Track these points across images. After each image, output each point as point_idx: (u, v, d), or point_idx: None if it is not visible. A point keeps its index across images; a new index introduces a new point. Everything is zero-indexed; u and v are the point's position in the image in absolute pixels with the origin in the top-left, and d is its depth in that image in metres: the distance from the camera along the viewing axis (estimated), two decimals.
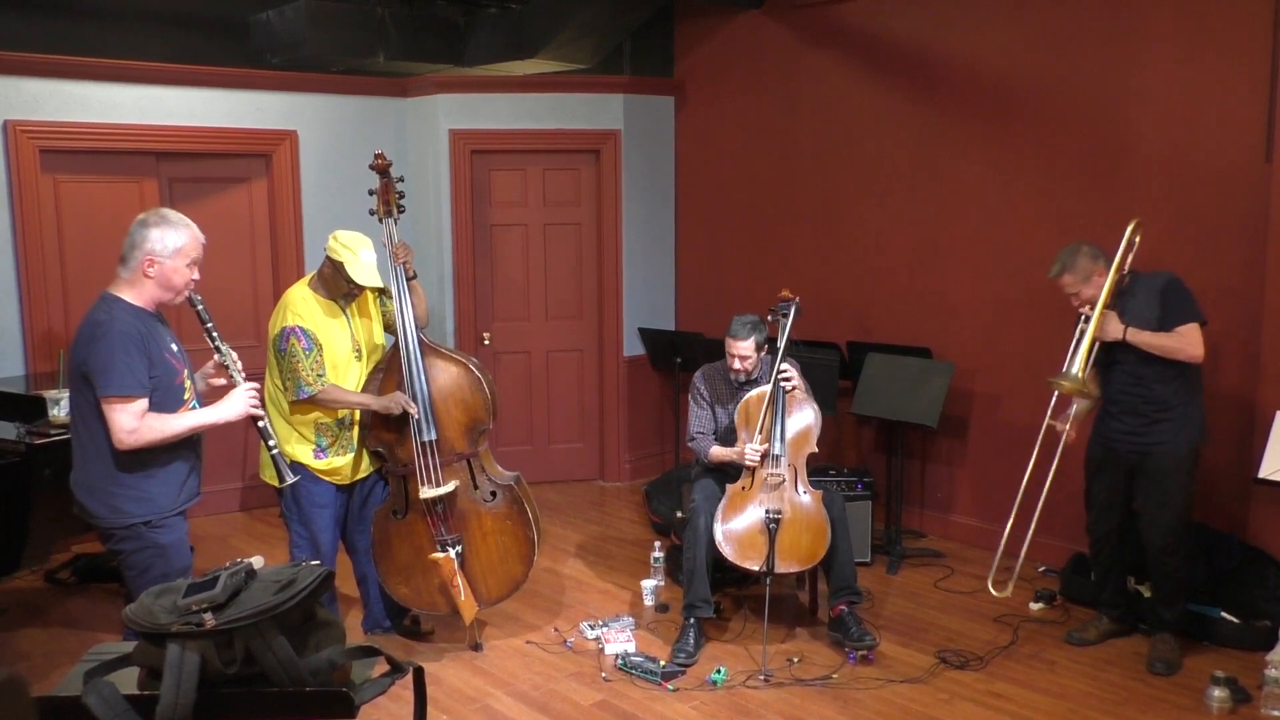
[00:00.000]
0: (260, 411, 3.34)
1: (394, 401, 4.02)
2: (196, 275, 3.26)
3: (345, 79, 6.14)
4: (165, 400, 3.16)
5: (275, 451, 3.39)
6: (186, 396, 3.27)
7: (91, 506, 3.19)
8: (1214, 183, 4.55)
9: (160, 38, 5.58)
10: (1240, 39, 4.42)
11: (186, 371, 3.29)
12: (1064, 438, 4.21)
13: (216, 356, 3.33)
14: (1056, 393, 4.21)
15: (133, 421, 3.06)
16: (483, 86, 6.29)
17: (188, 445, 3.28)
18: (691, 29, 6.63)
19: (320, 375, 3.91)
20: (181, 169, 5.86)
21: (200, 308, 3.26)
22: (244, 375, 3.35)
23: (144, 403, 3.09)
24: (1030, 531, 4.31)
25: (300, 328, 3.90)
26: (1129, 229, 4.02)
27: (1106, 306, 3.98)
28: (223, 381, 3.40)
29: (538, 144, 6.48)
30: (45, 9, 5.24)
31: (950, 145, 5.43)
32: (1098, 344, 4.01)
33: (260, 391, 3.39)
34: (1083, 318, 4.07)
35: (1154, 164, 4.72)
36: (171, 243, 3.16)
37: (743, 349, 4.41)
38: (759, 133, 6.32)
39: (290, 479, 3.47)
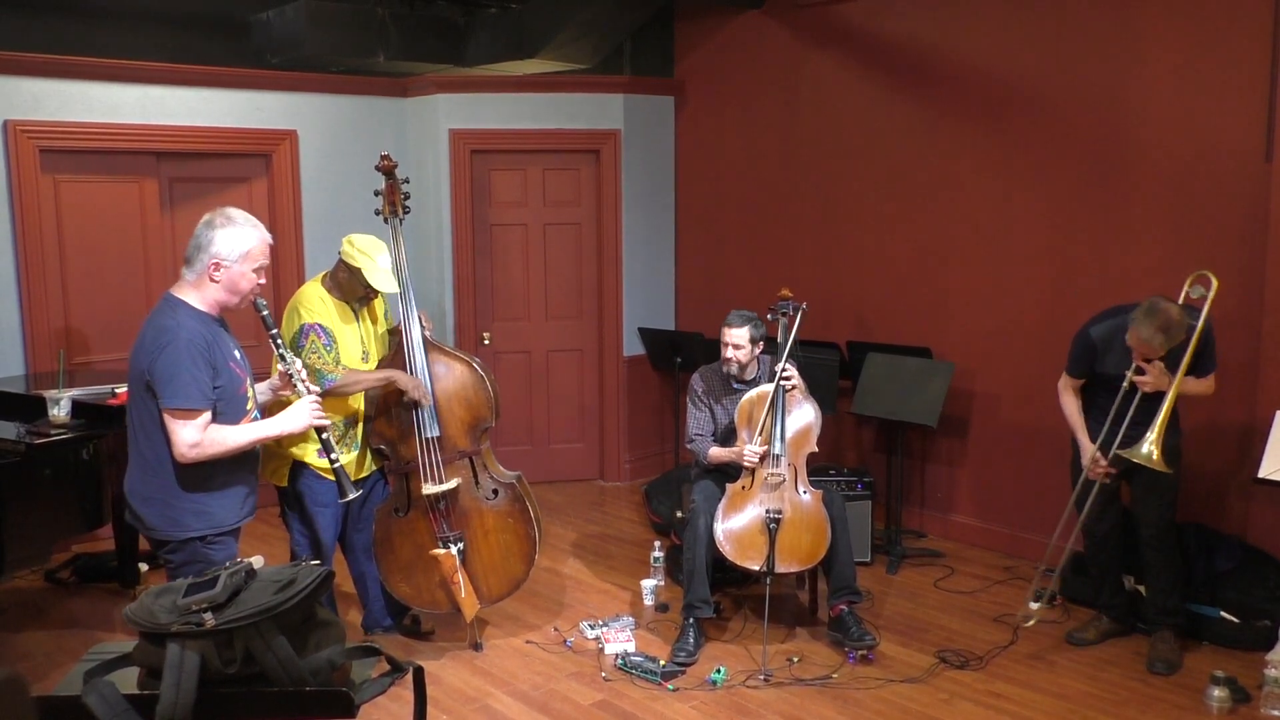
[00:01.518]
0: (325, 422, 3.24)
1: (414, 383, 4.03)
2: (263, 280, 3.14)
3: (345, 79, 6.14)
4: (229, 410, 3.06)
5: (338, 465, 3.30)
6: (249, 407, 3.16)
7: (148, 517, 3.07)
8: (1214, 183, 4.55)
9: (160, 38, 5.58)
10: (1240, 39, 4.42)
11: (249, 380, 3.18)
12: (1099, 478, 4.14)
13: (281, 366, 3.23)
14: (1084, 437, 4.18)
15: (196, 435, 2.95)
16: (483, 86, 6.29)
17: (249, 460, 3.19)
18: (691, 29, 6.63)
19: (339, 363, 3.92)
20: (182, 169, 5.86)
21: (265, 313, 3.14)
22: (309, 386, 3.24)
23: (208, 415, 2.98)
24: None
25: (319, 325, 3.91)
26: (1213, 288, 3.92)
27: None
28: (288, 393, 3.31)
29: (538, 144, 6.48)
30: (45, 9, 5.24)
31: (950, 145, 5.43)
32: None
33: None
34: (1132, 372, 3.95)
35: (1154, 164, 4.72)
36: (240, 247, 3.03)
37: (736, 337, 4.41)
38: (759, 133, 6.32)
39: (353, 494, 3.37)
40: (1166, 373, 3.89)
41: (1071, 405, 4.27)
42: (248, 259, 3.06)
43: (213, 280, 3.04)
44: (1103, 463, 4.09)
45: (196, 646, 2.01)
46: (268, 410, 3.38)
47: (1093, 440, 4.15)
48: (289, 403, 3.33)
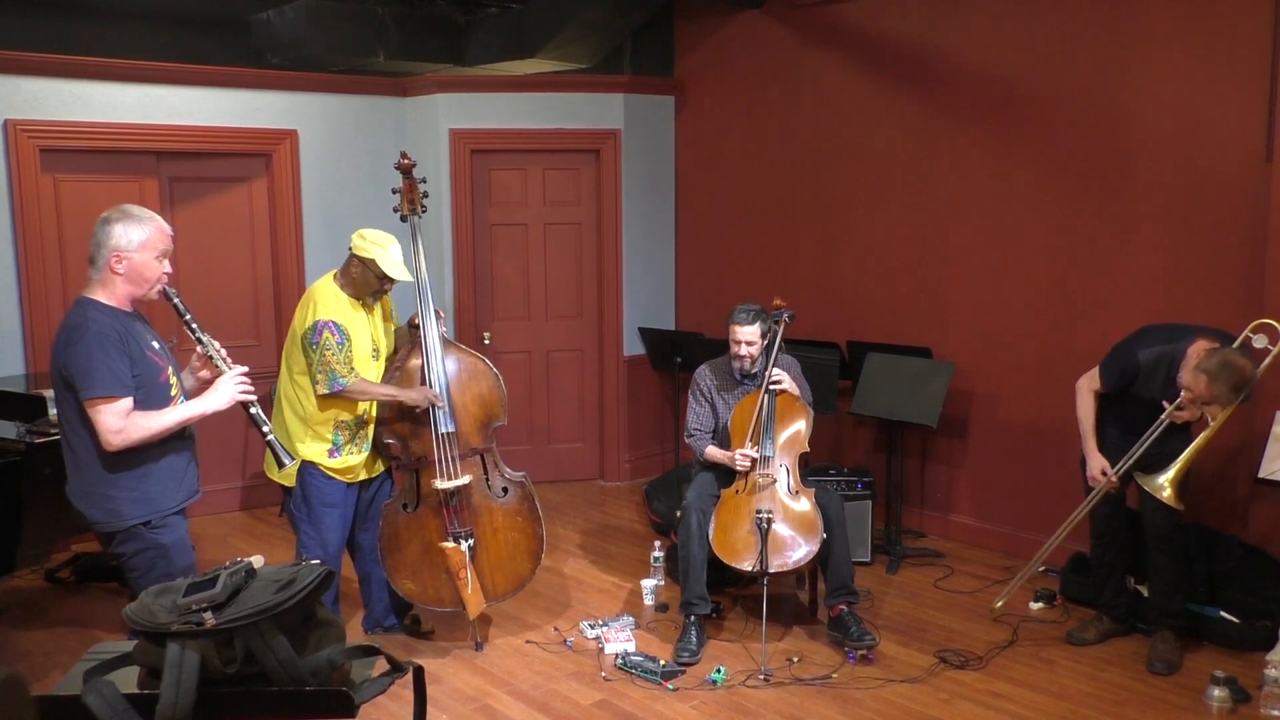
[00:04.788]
0: (251, 397, 3.24)
1: (422, 395, 4.05)
2: (168, 268, 3.20)
3: (345, 79, 6.14)
4: (151, 399, 3.11)
5: (270, 437, 3.29)
6: (174, 394, 3.21)
7: (90, 512, 3.14)
8: (1214, 183, 4.55)
9: (160, 37, 5.58)
10: (1240, 39, 4.42)
11: (171, 369, 3.22)
12: (1109, 489, 4.16)
13: (199, 349, 3.25)
14: (1093, 445, 4.16)
15: (118, 421, 3.01)
16: (483, 86, 6.29)
17: (179, 441, 3.22)
18: (691, 29, 6.62)
19: (351, 369, 3.93)
20: (182, 168, 5.86)
21: (176, 300, 3.19)
22: (230, 363, 3.26)
23: (128, 401, 3.04)
24: None
25: (333, 322, 3.92)
26: None
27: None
28: (208, 374, 3.31)
29: (538, 144, 6.48)
30: (45, 9, 5.24)
31: (950, 145, 5.43)
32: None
33: (249, 377, 3.28)
34: (1173, 406, 3.89)
35: (1154, 164, 4.72)
36: (136, 236, 3.11)
37: (748, 334, 4.43)
38: (759, 132, 6.32)
39: (289, 462, 3.36)
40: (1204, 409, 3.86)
41: (1088, 410, 4.19)
42: (146, 248, 3.13)
43: (115, 273, 3.11)
44: (1114, 478, 4.09)
45: (196, 646, 2.01)
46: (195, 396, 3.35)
47: (1105, 449, 4.13)
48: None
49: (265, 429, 3.29)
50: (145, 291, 3.17)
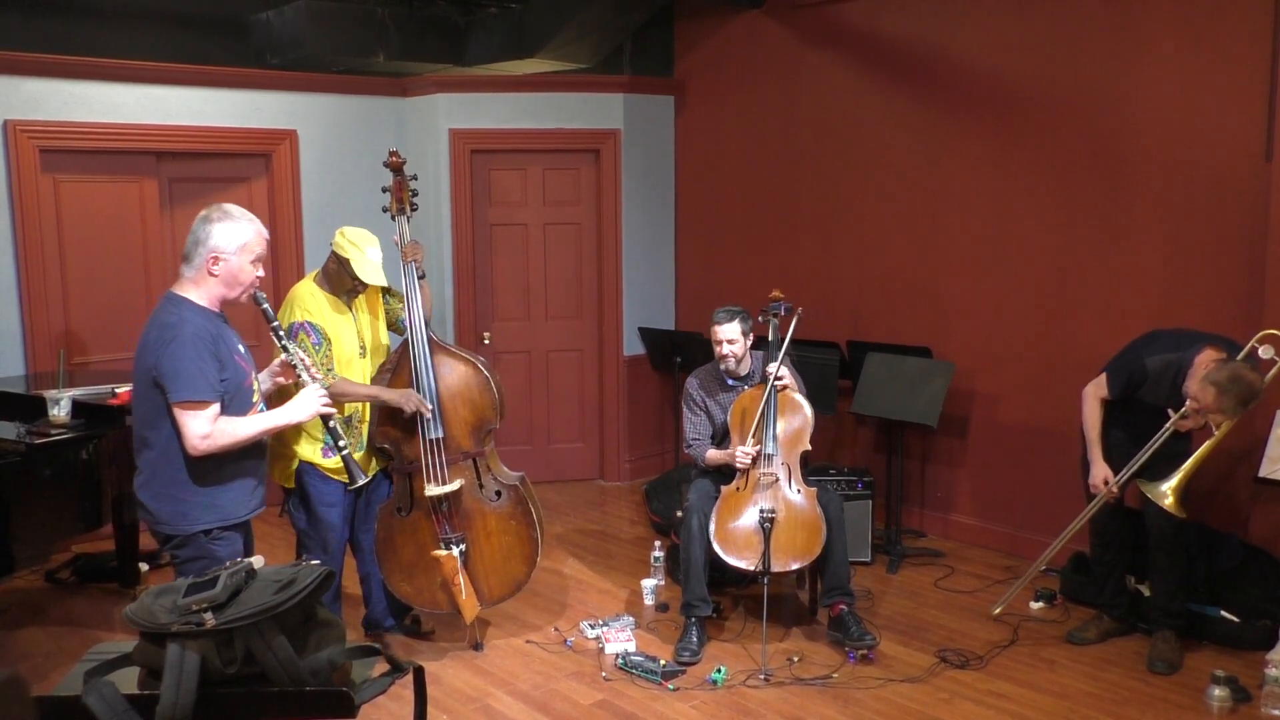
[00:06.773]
0: (332, 410, 3.24)
1: (407, 398, 4.02)
2: (261, 272, 3.16)
3: (345, 79, 6.14)
4: (236, 403, 3.08)
5: (346, 452, 3.27)
6: (255, 399, 3.19)
7: (158, 510, 3.08)
8: (1214, 183, 4.55)
9: (160, 37, 5.58)
10: (1240, 39, 4.42)
11: (254, 373, 3.21)
12: (1108, 499, 4.16)
13: (284, 356, 3.24)
14: (1099, 454, 4.14)
15: (206, 426, 2.97)
16: (483, 86, 6.29)
17: (256, 451, 3.19)
18: (691, 29, 6.62)
19: (330, 370, 3.91)
20: (182, 169, 5.85)
21: (265, 305, 3.17)
22: (314, 375, 3.25)
23: (217, 407, 3.00)
24: None
25: (309, 323, 3.89)
26: None
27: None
28: (284, 380, 3.31)
29: (538, 144, 6.48)
30: (45, 9, 5.24)
31: (950, 145, 5.43)
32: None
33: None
34: (1178, 415, 3.89)
35: (1154, 164, 4.72)
36: (236, 239, 3.06)
37: (728, 333, 4.41)
38: (759, 133, 6.32)
39: (362, 479, 3.34)
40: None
41: (1094, 418, 4.18)
42: (245, 251, 3.09)
43: (212, 274, 3.07)
44: (1115, 489, 4.08)
45: (196, 646, 2.01)
46: (271, 401, 3.38)
47: (1110, 451, 4.13)
48: (291, 392, 3.33)
49: (342, 443, 3.27)
50: (236, 295, 3.13)
